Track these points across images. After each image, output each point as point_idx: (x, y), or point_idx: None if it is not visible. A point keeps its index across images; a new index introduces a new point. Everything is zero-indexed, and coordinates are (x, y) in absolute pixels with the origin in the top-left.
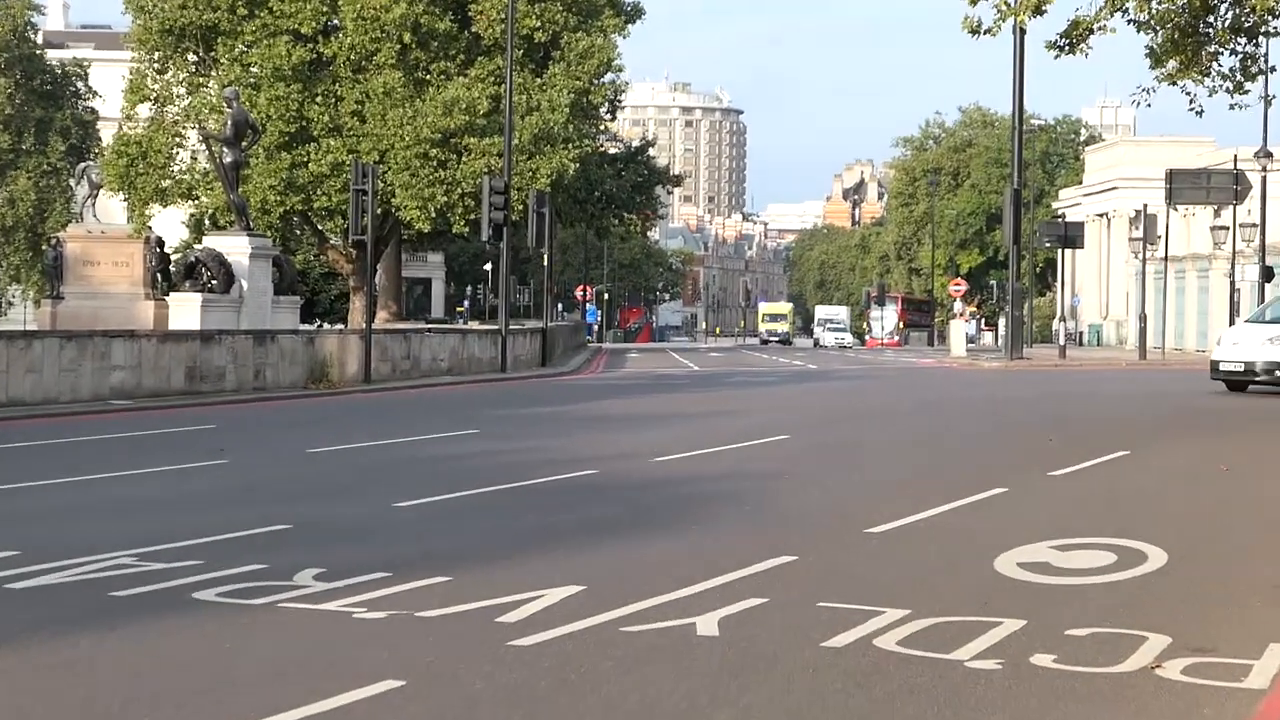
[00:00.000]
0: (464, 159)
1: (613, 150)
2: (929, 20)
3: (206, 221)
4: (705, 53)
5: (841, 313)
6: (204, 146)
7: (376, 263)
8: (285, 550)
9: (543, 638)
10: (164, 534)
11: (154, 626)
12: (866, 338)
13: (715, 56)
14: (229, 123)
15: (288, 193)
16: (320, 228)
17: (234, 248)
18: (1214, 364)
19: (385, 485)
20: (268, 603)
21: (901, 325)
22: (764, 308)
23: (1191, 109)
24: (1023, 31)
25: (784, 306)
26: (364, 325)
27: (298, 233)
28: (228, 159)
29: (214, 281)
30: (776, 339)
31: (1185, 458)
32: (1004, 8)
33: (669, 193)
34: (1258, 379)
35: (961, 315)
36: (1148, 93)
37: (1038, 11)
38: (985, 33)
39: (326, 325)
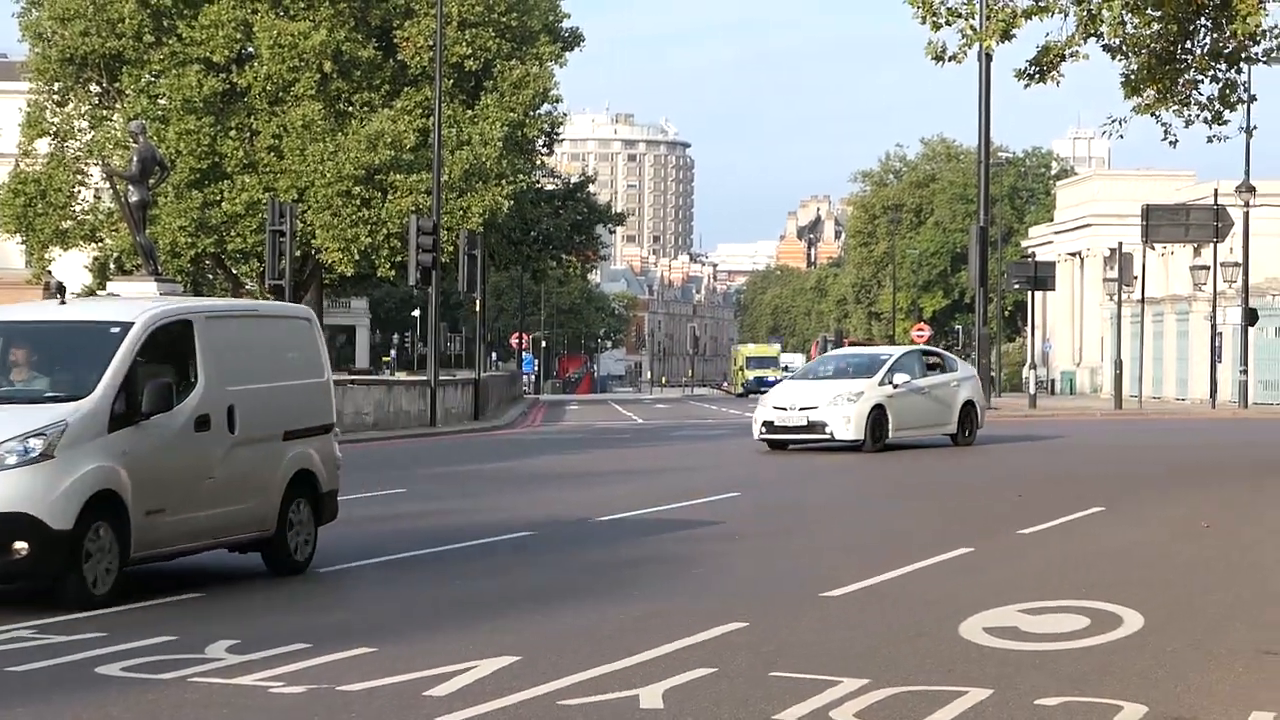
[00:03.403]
0: (389, 197)
1: (550, 187)
2: (890, 46)
3: (111, 265)
4: (649, 82)
5: (773, 350)
6: (108, 184)
7: None
8: (197, 620)
9: (474, 712)
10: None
11: (54, 704)
12: None
13: (660, 86)
14: (135, 159)
15: (199, 234)
16: (235, 271)
17: (141, 294)
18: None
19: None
20: (177, 677)
21: None
22: (746, 350)
23: (1166, 140)
24: (989, 58)
25: (772, 348)
26: None
27: (210, 277)
28: (134, 198)
29: None
30: (764, 389)
31: (1164, 514)
32: (970, 33)
33: (611, 232)
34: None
35: None
36: (1120, 123)
37: (1005, 37)
38: (950, 59)
39: None
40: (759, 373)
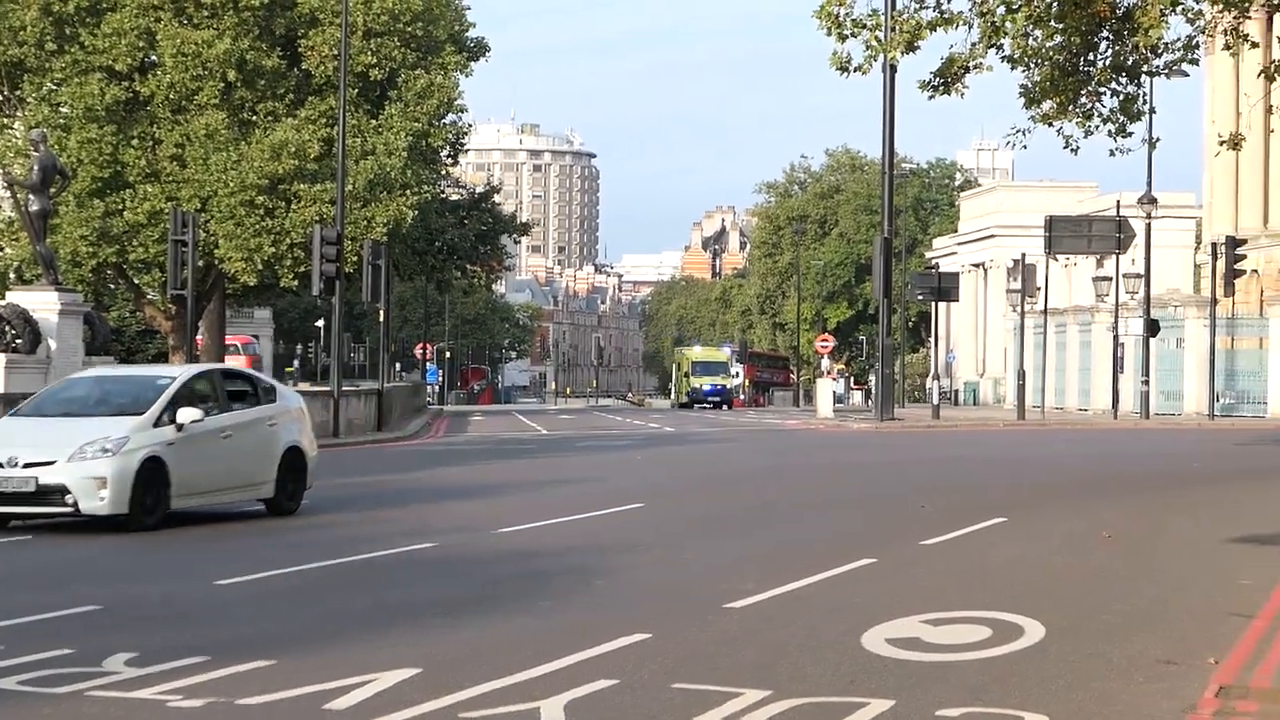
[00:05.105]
0: (293, 207)
1: (455, 197)
2: (795, 57)
3: (11, 275)
4: (555, 92)
5: (722, 354)
6: (8, 193)
7: (198, 319)
8: (94, 633)
9: None
10: None
11: None
12: None
13: (566, 96)
14: (35, 167)
15: (100, 243)
16: (136, 281)
17: (41, 304)
18: None
19: (205, 562)
20: (73, 691)
21: (748, 383)
22: (692, 353)
23: (1068, 147)
24: (894, 69)
25: (721, 352)
26: None
27: (112, 287)
28: (34, 207)
29: (18, 340)
30: (714, 399)
31: (1066, 524)
32: (875, 44)
33: (516, 242)
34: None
35: (829, 373)
36: (1023, 134)
37: (910, 48)
38: (856, 70)
39: None
40: (707, 380)
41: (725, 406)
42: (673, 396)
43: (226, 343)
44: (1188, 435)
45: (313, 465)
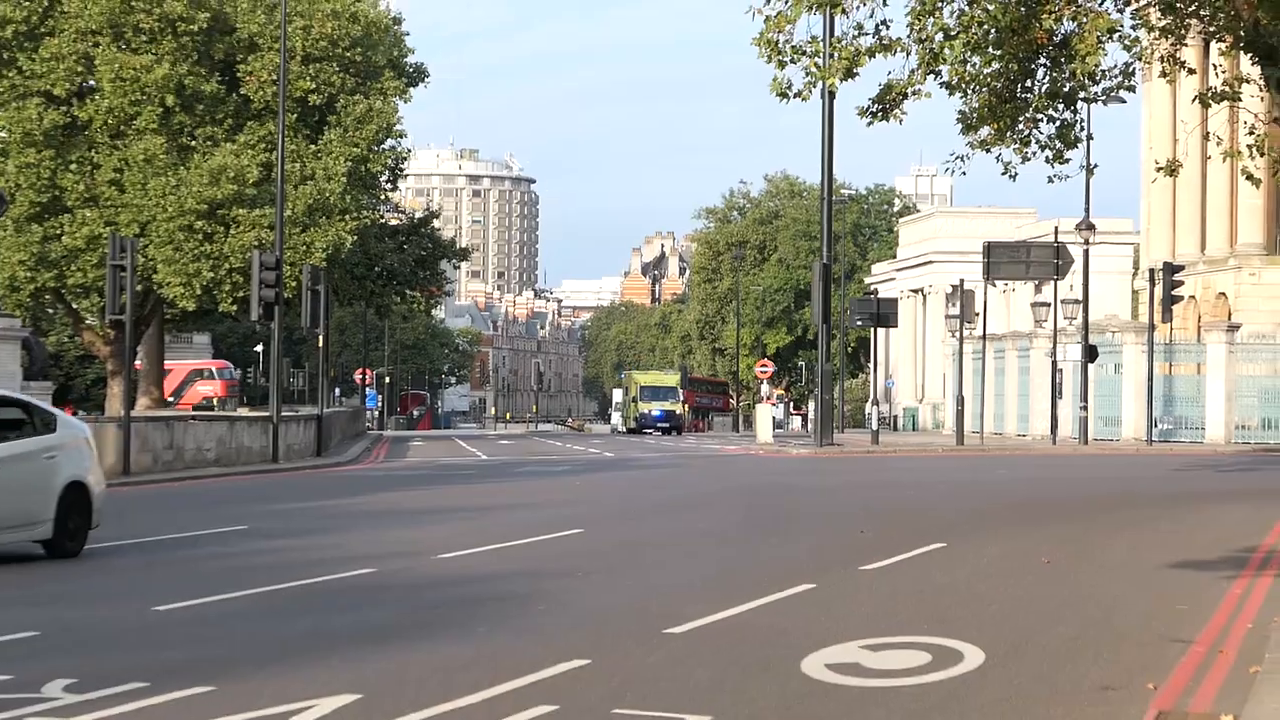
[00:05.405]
0: (232, 232)
1: (394, 222)
2: (734, 82)
3: None
4: (494, 118)
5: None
6: None
7: (137, 344)
8: (33, 658)
9: None
10: None
11: None
12: None
13: (504, 121)
14: None
15: (39, 268)
16: (75, 306)
17: None
18: None
19: (144, 587)
20: (11, 717)
21: (687, 408)
22: (641, 377)
23: (1006, 174)
24: (832, 96)
25: (670, 376)
26: (122, 413)
27: (50, 312)
28: None
29: None
30: (663, 425)
31: (1005, 550)
32: (814, 71)
33: (455, 267)
34: None
35: (768, 399)
36: (962, 160)
37: (849, 75)
38: (796, 96)
39: (82, 413)
40: (656, 405)
41: (675, 432)
42: (615, 420)
43: (199, 367)
44: (1126, 461)
45: (99, 502)
